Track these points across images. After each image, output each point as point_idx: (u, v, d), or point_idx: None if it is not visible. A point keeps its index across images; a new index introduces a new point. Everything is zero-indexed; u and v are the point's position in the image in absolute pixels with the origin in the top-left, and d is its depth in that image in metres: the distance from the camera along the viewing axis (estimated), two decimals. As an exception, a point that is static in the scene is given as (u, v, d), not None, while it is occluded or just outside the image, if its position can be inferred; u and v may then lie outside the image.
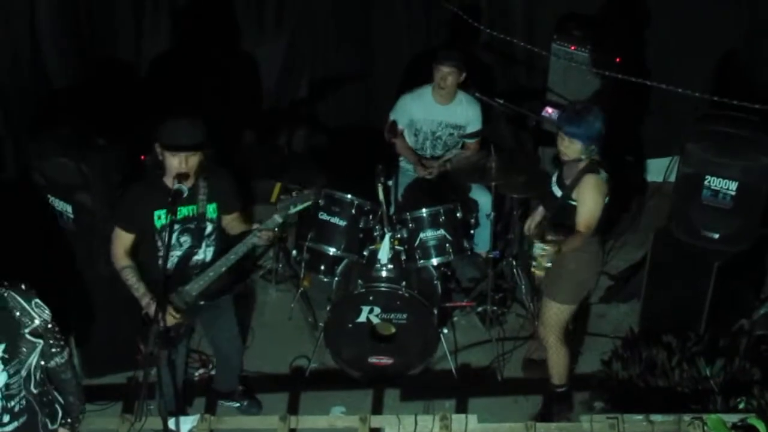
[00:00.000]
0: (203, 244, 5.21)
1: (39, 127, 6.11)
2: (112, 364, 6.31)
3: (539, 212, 5.68)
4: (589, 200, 5.21)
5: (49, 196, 5.93)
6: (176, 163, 4.90)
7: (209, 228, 5.20)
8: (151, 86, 7.35)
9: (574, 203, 5.25)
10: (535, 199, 5.81)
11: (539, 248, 5.15)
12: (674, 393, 5.68)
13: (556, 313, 5.64)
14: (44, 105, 6.48)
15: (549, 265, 5.18)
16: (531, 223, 5.70)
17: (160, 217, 5.04)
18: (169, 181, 4.97)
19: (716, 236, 5.99)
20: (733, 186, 5.85)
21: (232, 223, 5.35)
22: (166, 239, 4.89)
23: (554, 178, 5.48)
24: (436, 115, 6.85)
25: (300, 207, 5.15)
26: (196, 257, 5.22)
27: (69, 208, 5.87)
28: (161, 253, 5.08)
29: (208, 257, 5.25)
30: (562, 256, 5.19)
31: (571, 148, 5.18)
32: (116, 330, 6.07)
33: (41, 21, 6.57)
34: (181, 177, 4.89)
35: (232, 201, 5.28)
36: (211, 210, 5.17)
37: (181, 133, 4.88)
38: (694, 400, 5.44)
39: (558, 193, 5.37)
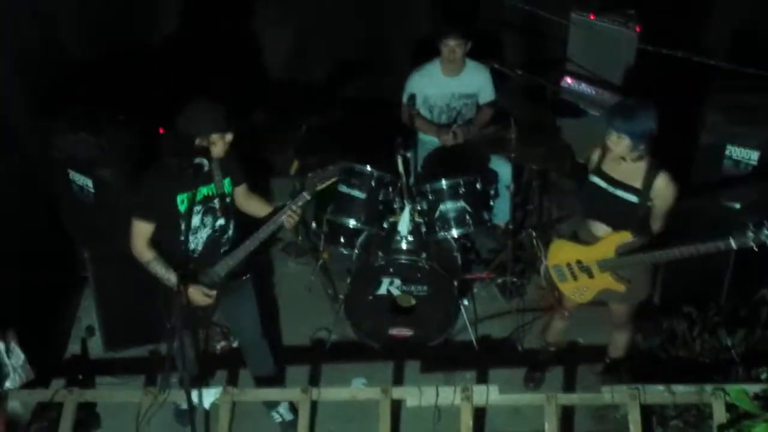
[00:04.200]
0: (230, 219, 5.23)
1: (58, 103, 6.12)
2: (134, 338, 6.37)
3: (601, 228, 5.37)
4: (672, 197, 5.09)
5: (69, 170, 5.95)
6: (222, 144, 4.94)
7: (228, 202, 5.21)
8: (170, 61, 7.34)
9: (650, 204, 5.13)
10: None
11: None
12: (695, 363, 5.69)
13: (634, 307, 5.65)
14: (63, 81, 6.48)
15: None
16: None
17: (183, 201, 5.00)
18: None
19: (738, 206, 5.95)
20: (754, 155, 5.80)
21: (252, 203, 5.37)
22: (199, 220, 5.02)
23: (600, 180, 5.24)
24: (447, 87, 6.85)
25: (327, 183, 5.15)
26: (225, 236, 5.24)
27: (89, 183, 5.90)
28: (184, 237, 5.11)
29: (231, 233, 5.26)
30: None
31: (619, 144, 4.99)
32: (138, 304, 6.11)
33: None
34: (202, 152, 4.89)
35: (240, 172, 5.28)
36: (227, 184, 5.18)
37: (223, 113, 4.90)
38: (716, 370, 5.45)
39: (626, 196, 5.15)
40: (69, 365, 6.38)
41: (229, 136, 4.95)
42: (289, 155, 6.88)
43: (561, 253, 5.51)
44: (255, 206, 5.41)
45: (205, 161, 4.85)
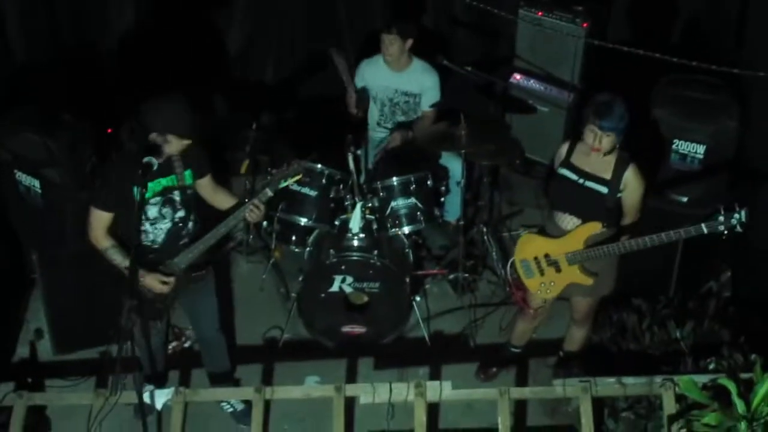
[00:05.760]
0: (190, 212, 5.22)
1: (5, 103, 6.03)
2: (83, 340, 6.30)
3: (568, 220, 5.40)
4: (642, 188, 5.16)
5: (15, 171, 5.87)
6: (179, 146, 4.94)
7: (190, 194, 5.20)
8: (118, 62, 7.27)
9: (620, 195, 5.18)
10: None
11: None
12: (645, 356, 5.74)
13: (597, 302, 5.71)
14: (10, 81, 6.39)
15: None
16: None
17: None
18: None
19: (685, 200, 6.03)
20: (701, 150, 5.88)
21: (218, 196, 5.35)
22: (156, 212, 5.03)
23: (570, 173, 5.28)
24: (389, 82, 6.86)
25: (290, 180, 5.16)
26: (185, 228, 5.23)
27: (36, 183, 5.82)
28: (144, 227, 5.09)
29: (191, 225, 5.25)
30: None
31: (606, 141, 5.01)
32: (88, 305, 6.06)
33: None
34: (153, 150, 4.87)
35: (203, 164, 5.24)
36: (188, 176, 5.15)
37: (190, 120, 4.89)
38: (665, 362, 5.50)
39: (596, 187, 5.19)
40: (17, 369, 6.28)
41: (186, 141, 4.94)
42: (240, 155, 6.85)
43: (529, 247, 5.51)
44: (221, 199, 5.39)
45: (154, 160, 4.83)
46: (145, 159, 4.81)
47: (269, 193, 5.13)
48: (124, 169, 4.99)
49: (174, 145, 4.92)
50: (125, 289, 4.86)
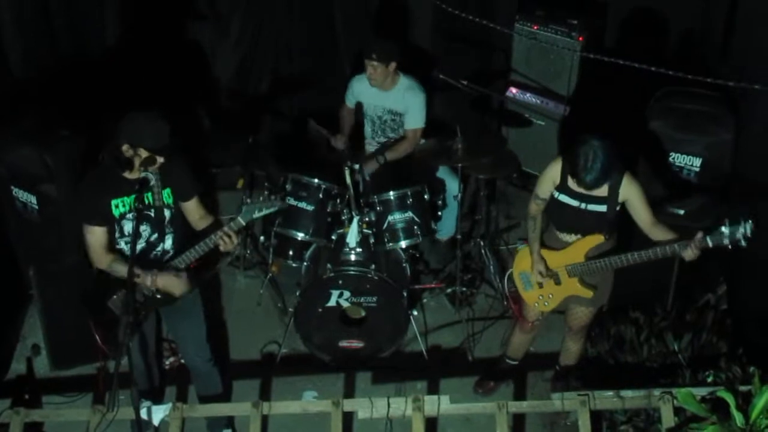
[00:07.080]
0: (165, 232, 5.13)
1: (1, 119, 6.04)
2: (80, 355, 6.27)
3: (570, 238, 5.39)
4: (640, 190, 5.11)
5: (12, 187, 5.87)
6: (149, 162, 4.85)
7: (167, 214, 5.11)
8: (115, 76, 7.28)
9: (619, 207, 5.15)
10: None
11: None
12: (643, 368, 5.74)
13: (593, 313, 5.68)
14: (6, 96, 6.39)
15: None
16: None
17: (118, 206, 4.97)
18: (134, 175, 4.93)
19: (681, 212, 6.03)
20: (697, 162, 5.89)
21: (195, 216, 5.22)
22: (132, 227, 4.92)
23: (570, 199, 5.22)
24: (377, 100, 6.84)
25: (265, 212, 5.02)
26: (157, 248, 5.15)
27: (33, 199, 5.82)
28: (120, 246, 5.06)
29: (168, 245, 5.16)
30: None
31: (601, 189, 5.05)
32: (85, 320, 6.02)
33: (3, 11, 6.49)
34: (125, 163, 4.85)
35: (187, 187, 5.14)
36: (166, 195, 5.07)
37: (162, 135, 4.79)
38: (663, 374, 5.51)
39: (596, 208, 5.16)
40: (14, 385, 6.26)
41: (160, 159, 4.86)
42: (236, 169, 6.86)
43: (528, 259, 5.50)
44: (205, 225, 5.24)
45: (151, 175, 4.82)
46: (142, 174, 4.81)
47: (242, 222, 4.99)
48: (100, 183, 4.96)
49: (146, 161, 4.84)
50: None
